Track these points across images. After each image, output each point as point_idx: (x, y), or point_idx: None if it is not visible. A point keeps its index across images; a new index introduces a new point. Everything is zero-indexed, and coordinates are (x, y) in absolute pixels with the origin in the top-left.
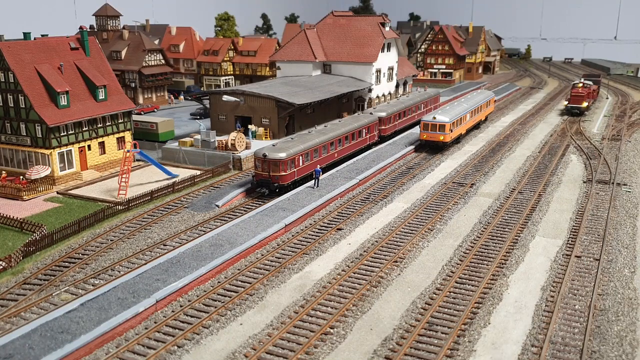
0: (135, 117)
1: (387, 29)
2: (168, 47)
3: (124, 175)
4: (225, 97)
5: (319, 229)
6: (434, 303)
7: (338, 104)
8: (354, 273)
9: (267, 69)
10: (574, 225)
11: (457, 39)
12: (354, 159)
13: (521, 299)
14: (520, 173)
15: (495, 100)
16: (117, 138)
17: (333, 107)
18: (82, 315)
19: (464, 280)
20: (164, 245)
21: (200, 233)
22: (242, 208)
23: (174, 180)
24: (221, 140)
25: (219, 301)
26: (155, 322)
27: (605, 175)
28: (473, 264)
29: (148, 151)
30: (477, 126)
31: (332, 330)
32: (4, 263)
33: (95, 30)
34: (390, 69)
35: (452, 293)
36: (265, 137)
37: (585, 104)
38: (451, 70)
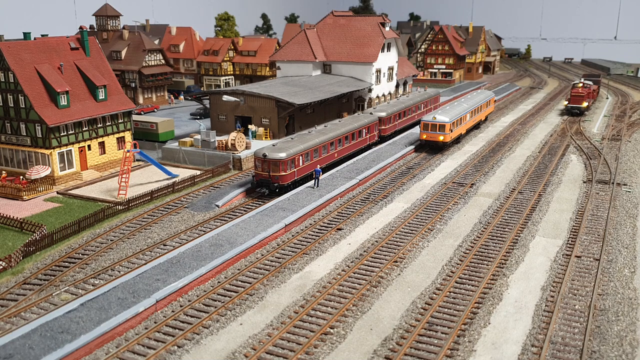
0: (135, 117)
1: (387, 29)
2: (168, 47)
3: (124, 175)
4: (225, 97)
5: (319, 229)
6: (434, 303)
7: (338, 104)
8: (354, 273)
9: (267, 69)
10: (574, 225)
11: (457, 39)
12: (354, 159)
13: (521, 299)
14: (520, 173)
15: (495, 100)
16: (117, 138)
17: (333, 107)
18: (82, 315)
19: (464, 280)
20: (164, 245)
21: (200, 233)
22: (242, 208)
23: (174, 180)
24: (221, 140)
25: (219, 301)
26: (155, 322)
27: (605, 175)
28: (473, 264)
29: (148, 151)
30: (477, 126)
31: (332, 330)
32: (4, 263)
33: (95, 30)
34: (390, 69)
35: (452, 293)
36: (265, 137)
37: (585, 104)
38: (451, 70)
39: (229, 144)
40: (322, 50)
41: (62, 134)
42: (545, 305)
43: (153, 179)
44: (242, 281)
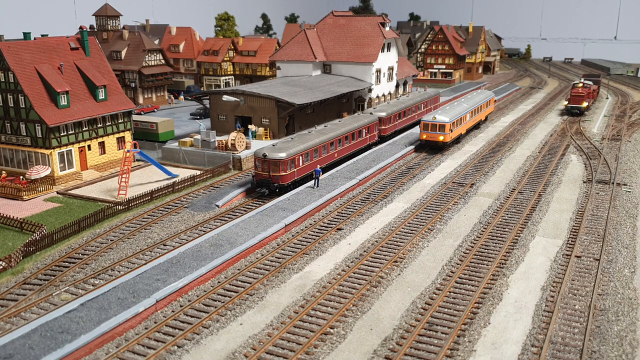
0: (135, 117)
1: (387, 29)
2: (168, 47)
3: (124, 175)
4: (225, 97)
5: (319, 229)
6: (434, 303)
7: (338, 104)
8: (354, 273)
9: (267, 69)
10: (574, 225)
11: (457, 39)
12: (354, 159)
13: (521, 299)
14: (520, 173)
15: (495, 100)
16: (117, 138)
17: (333, 107)
18: (82, 315)
19: (464, 280)
20: (164, 245)
21: (200, 233)
22: (242, 208)
23: (174, 180)
24: (221, 140)
25: (219, 301)
26: (155, 322)
27: (605, 175)
28: (473, 264)
29: (148, 151)
30: (477, 126)
31: (332, 330)
32: (4, 263)
33: (95, 30)
34: (390, 69)
35: (452, 293)
36: (265, 137)
37: (585, 104)
38: (451, 70)
39: (229, 144)
40: (322, 50)
41: (62, 134)
42: (545, 305)
43: (153, 179)
44: (242, 281)
